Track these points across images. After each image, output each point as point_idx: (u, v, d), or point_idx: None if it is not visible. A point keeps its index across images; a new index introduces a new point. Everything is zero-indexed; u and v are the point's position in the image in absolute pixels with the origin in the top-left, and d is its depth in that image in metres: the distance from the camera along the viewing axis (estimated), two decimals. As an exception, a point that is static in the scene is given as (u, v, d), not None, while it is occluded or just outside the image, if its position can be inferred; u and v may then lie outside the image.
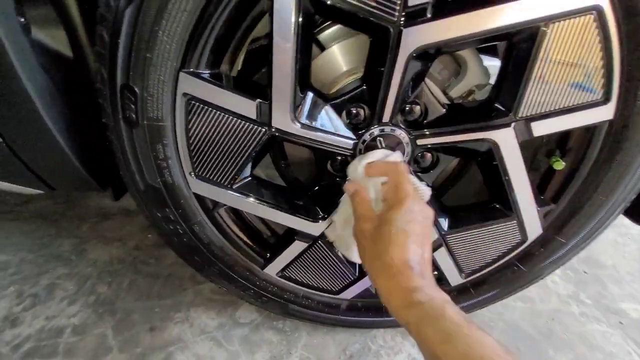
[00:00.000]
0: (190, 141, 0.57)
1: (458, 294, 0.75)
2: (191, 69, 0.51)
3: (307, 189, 0.67)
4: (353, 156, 0.59)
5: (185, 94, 0.52)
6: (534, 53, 0.48)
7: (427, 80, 0.59)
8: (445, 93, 0.62)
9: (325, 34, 0.62)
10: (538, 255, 0.68)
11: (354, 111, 0.58)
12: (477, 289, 0.73)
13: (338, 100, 0.57)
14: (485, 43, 0.51)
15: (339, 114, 0.58)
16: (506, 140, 0.55)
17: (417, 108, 0.58)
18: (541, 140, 0.62)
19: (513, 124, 0.53)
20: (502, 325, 0.86)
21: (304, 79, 0.54)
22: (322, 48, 0.62)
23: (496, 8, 0.45)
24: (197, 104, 0.53)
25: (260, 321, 0.86)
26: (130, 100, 0.52)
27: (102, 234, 1.16)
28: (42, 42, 0.55)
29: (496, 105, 0.54)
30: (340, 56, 0.61)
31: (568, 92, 0.51)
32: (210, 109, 0.53)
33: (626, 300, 0.96)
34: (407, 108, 0.58)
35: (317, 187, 0.67)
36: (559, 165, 0.59)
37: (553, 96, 0.51)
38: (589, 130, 0.56)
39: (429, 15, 0.46)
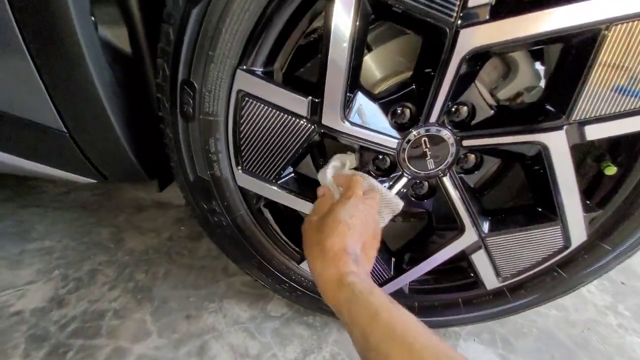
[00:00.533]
0: (241, 136, 0.59)
1: (494, 297, 0.74)
2: (247, 67, 0.53)
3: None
4: (395, 157, 0.60)
5: (239, 91, 0.54)
6: (592, 56, 0.47)
7: (476, 81, 0.59)
8: (492, 94, 0.62)
9: (373, 35, 0.63)
10: (581, 262, 0.66)
11: (399, 111, 0.59)
12: (514, 294, 0.73)
13: (386, 100, 0.58)
14: (543, 45, 0.51)
15: (386, 113, 0.58)
16: (557, 144, 0.54)
17: (465, 109, 0.58)
18: (591, 144, 0.61)
19: (565, 127, 0.53)
20: (536, 333, 0.84)
21: (355, 78, 0.55)
22: (370, 49, 0.63)
23: (555, 10, 0.45)
24: (251, 100, 0.55)
25: (290, 315, 0.88)
26: (189, 95, 0.54)
27: (137, 224, 1.20)
28: (107, 39, 0.59)
29: (548, 107, 0.54)
30: (387, 57, 0.62)
31: (624, 96, 0.50)
32: (262, 105, 0.55)
33: (666, 315, 0.92)
34: (454, 108, 0.58)
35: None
36: (611, 170, 0.58)
37: (609, 100, 0.50)
38: (643, 136, 0.55)
39: (487, 17, 0.46)
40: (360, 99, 0.56)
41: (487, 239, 0.65)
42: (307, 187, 0.66)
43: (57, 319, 0.86)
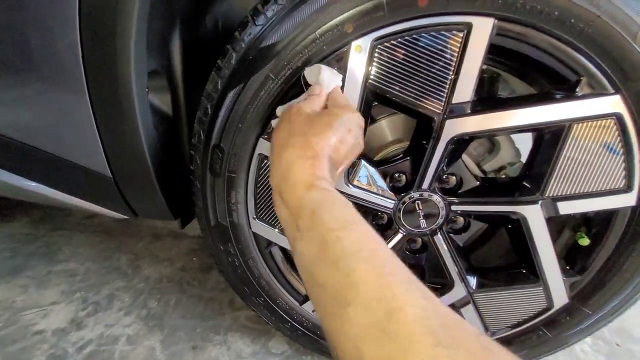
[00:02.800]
0: (257, 190, 0.68)
1: (483, 351, 0.78)
2: (267, 136, 0.64)
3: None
4: (391, 215, 0.68)
5: (260, 154, 0.65)
6: (559, 147, 0.56)
7: (463, 155, 0.68)
8: (479, 166, 0.70)
9: (375, 109, 0.74)
10: (564, 323, 0.71)
11: (397, 176, 0.68)
12: (502, 349, 0.76)
13: (385, 167, 0.67)
14: (517, 133, 0.60)
15: (384, 177, 0.67)
16: (533, 215, 0.61)
17: (453, 178, 0.67)
18: (568, 216, 0.68)
19: (540, 202, 0.60)
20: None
21: None
22: (373, 120, 0.73)
23: (525, 109, 0.54)
24: (267, 162, 0.65)
25: (290, 353, 0.92)
26: (218, 157, 0.65)
27: (154, 252, 1.29)
28: (154, 103, 0.71)
29: (525, 183, 0.62)
30: (387, 128, 0.72)
31: (591, 180, 0.58)
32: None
33: (663, 381, 0.93)
34: (444, 177, 0.67)
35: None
36: (584, 241, 0.64)
37: (577, 182, 0.58)
38: (614, 213, 0.62)
39: (468, 111, 0.56)
40: (363, 165, 0.66)
41: (475, 294, 0.71)
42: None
43: (76, 340, 0.93)
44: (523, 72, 0.64)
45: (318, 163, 0.42)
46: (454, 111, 0.56)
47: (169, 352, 0.91)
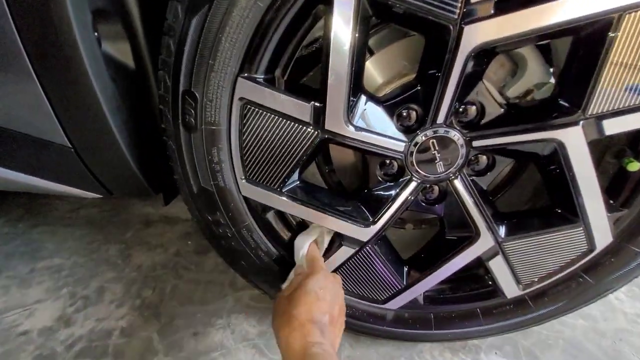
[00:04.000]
0: (244, 145, 0.58)
1: (514, 307, 0.70)
2: (248, 74, 0.53)
3: (355, 193, 0.66)
4: (402, 160, 0.58)
5: (241, 98, 0.54)
6: (607, 45, 0.45)
7: (483, 79, 0.57)
8: (501, 93, 0.59)
9: (375, 39, 0.62)
10: (608, 266, 0.62)
11: (405, 113, 0.57)
12: (536, 302, 0.68)
13: (391, 102, 0.57)
14: (552, 38, 0.49)
15: (391, 116, 0.57)
16: (574, 140, 0.51)
17: (473, 108, 0.56)
18: (610, 140, 0.58)
19: (582, 122, 0.50)
20: (563, 344, 0.79)
21: (357, 82, 0.54)
22: (372, 52, 0.62)
23: (557, 3, 0.43)
24: (252, 107, 0.54)
25: (301, 330, 0.84)
26: (191, 106, 0.54)
27: (145, 240, 1.20)
28: (110, 54, 0.59)
29: (562, 102, 0.52)
30: (390, 59, 0.61)
31: (644, 87, 0.47)
32: (264, 112, 0.54)
33: None
34: (462, 109, 0.56)
35: (365, 191, 0.66)
36: (634, 166, 0.54)
37: (629, 91, 0.47)
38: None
39: (491, 11, 0.45)
40: (365, 102, 0.55)
41: (505, 244, 0.62)
42: (314, 196, 0.64)
43: (64, 338, 0.84)
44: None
45: (305, 330, 0.46)
46: (474, 13, 0.45)
47: (168, 342, 0.82)
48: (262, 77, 0.54)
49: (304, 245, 0.64)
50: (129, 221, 1.30)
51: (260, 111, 0.55)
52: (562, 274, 0.64)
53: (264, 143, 0.57)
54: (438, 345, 0.79)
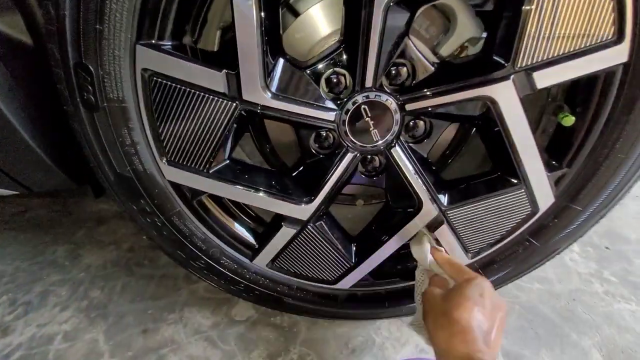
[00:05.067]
0: (158, 123, 0.52)
1: (466, 276, 0.68)
2: (149, 41, 0.47)
3: (291, 170, 0.62)
4: (335, 130, 0.54)
5: (145, 70, 0.48)
6: (529, -11, 0.42)
7: (412, 38, 0.53)
8: (435, 52, 0.56)
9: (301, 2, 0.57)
10: (552, 228, 0.61)
11: (335, 79, 0.53)
12: (486, 270, 0.67)
13: (314, 67, 0.52)
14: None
15: (317, 82, 0.52)
16: (506, 96, 0.48)
17: (404, 70, 0.53)
18: (546, 97, 0.55)
19: (512, 77, 0.47)
20: (519, 309, 0.79)
21: (273, 44, 0.49)
22: (297, 14, 0.57)
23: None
24: (159, 79, 0.49)
25: (257, 318, 0.81)
26: (86, 81, 0.48)
27: (97, 238, 1.13)
28: (-4, 28, 0.52)
29: (491, 56, 0.48)
30: (316, 20, 0.56)
31: (573, 33, 0.44)
32: (174, 84, 0.49)
33: (656, 276, 0.88)
34: (393, 71, 0.52)
35: (302, 167, 0.62)
36: (569, 120, 0.52)
37: (556, 40, 0.44)
38: (602, 78, 0.49)
39: (404, -47, 0.40)
40: (284, 67, 0.50)
41: (448, 212, 0.60)
42: (247, 175, 0.59)
43: (1, 348, 0.78)
44: None
45: (468, 336, 0.43)
46: (385, -44, 0.40)
47: (115, 342, 0.78)
48: (168, 44, 0.49)
49: (425, 253, 0.58)
50: (80, 220, 1.23)
51: (169, 83, 0.49)
52: (509, 239, 0.63)
53: (179, 120, 0.52)
54: (396, 320, 0.78)
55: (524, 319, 0.77)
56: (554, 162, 0.56)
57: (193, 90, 0.49)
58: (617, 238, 0.96)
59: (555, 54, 0.45)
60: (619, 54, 0.46)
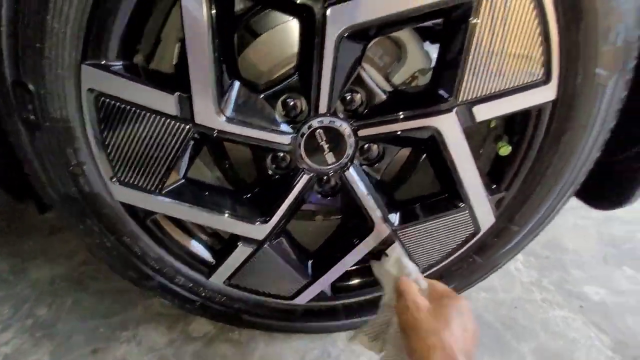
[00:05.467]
0: (106, 143, 0.51)
1: (417, 290, 0.72)
2: (96, 61, 0.45)
3: (247, 190, 0.62)
4: (292, 152, 0.55)
5: (91, 90, 0.46)
6: (469, 32, 0.45)
7: (366, 66, 0.56)
8: (388, 80, 0.58)
9: (259, 19, 0.57)
10: (493, 245, 0.66)
11: (291, 103, 0.54)
12: (435, 284, 0.71)
13: (270, 91, 0.53)
14: (419, 22, 0.48)
15: (273, 106, 0.53)
16: (449, 127, 0.52)
17: (358, 97, 0.55)
18: (488, 127, 0.60)
19: (455, 109, 0.50)
20: (467, 318, 0.84)
21: (228, 67, 0.49)
22: (256, 35, 0.57)
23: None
24: (108, 100, 0.47)
25: (214, 334, 0.80)
26: (25, 99, 0.45)
27: (47, 250, 1.06)
28: None
29: (436, 90, 0.51)
30: (275, 43, 0.56)
31: (507, 72, 0.48)
32: (124, 106, 0.48)
33: (588, 284, 0.97)
34: (347, 97, 0.54)
35: (258, 188, 0.62)
36: (505, 150, 0.57)
37: (492, 78, 0.48)
38: (534, 113, 0.54)
39: (353, -7, 0.42)
40: (239, 90, 0.50)
41: (400, 232, 0.62)
42: (202, 195, 0.59)
43: None
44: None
45: (453, 355, 0.42)
46: (335, -6, 0.42)
47: (61, 364, 0.74)
48: (117, 64, 0.47)
49: (404, 260, 0.55)
50: (29, 231, 1.14)
51: (119, 105, 0.48)
52: (455, 255, 0.67)
53: (130, 141, 0.50)
54: (351, 333, 0.80)
55: (471, 327, 0.82)
56: (494, 186, 0.61)
57: (144, 112, 0.48)
58: (556, 248, 1.05)
59: (493, 91, 0.49)
60: (547, 92, 0.50)
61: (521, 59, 0.48)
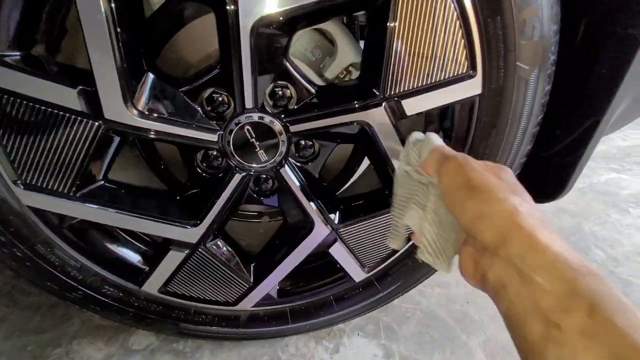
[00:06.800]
0: (7, 144, 0.46)
1: (364, 289, 0.70)
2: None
3: (182, 191, 0.59)
4: (221, 150, 0.52)
5: (-23, 79, 0.41)
6: (390, 29, 0.44)
7: (296, 60, 0.54)
8: (321, 74, 0.57)
9: (182, 10, 0.54)
10: (435, 241, 0.65)
11: (217, 98, 0.51)
12: (382, 283, 0.70)
13: (193, 85, 0.49)
14: (339, 15, 0.46)
15: (197, 101, 0.50)
16: (379, 121, 0.51)
17: (288, 92, 0.52)
18: (424, 120, 0.59)
19: (384, 104, 0.49)
20: (419, 315, 0.84)
21: (135, 56, 0.45)
22: (179, 26, 0.54)
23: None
24: (4, 95, 0.42)
25: (156, 345, 0.76)
26: None
27: (-25, 263, 0.97)
28: None
29: (365, 85, 0.50)
30: (197, 35, 0.53)
31: (432, 67, 0.48)
32: (22, 101, 0.43)
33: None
34: (277, 92, 0.52)
35: (189, 188, 0.59)
36: (438, 145, 0.56)
37: (418, 73, 0.47)
38: (466, 107, 0.54)
39: (264, -19, 0.40)
40: (153, 83, 0.47)
41: (341, 230, 0.61)
42: (125, 197, 0.55)
43: None
44: None
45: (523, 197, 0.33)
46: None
47: (-22, 389, 0.67)
48: (15, 55, 0.43)
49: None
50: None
51: (16, 100, 0.43)
52: (398, 253, 0.66)
53: (34, 140, 0.46)
54: (303, 336, 0.78)
55: (422, 324, 0.82)
56: (432, 182, 0.60)
57: (46, 109, 0.44)
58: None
59: (420, 85, 0.49)
60: (473, 87, 0.50)
61: (445, 54, 0.47)
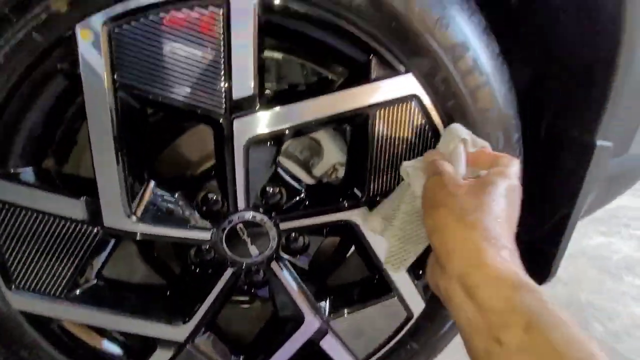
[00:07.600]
0: (4, 249, 0.47)
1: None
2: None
3: (168, 288, 0.59)
4: (214, 246, 0.54)
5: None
6: (369, 137, 0.49)
7: (286, 160, 0.58)
8: (310, 172, 0.61)
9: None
10: (427, 330, 0.65)
11: (211, 198, 0.54)
12: (376, 375, 0.67)
13: (189, 189, 0.53)
14: (318, 130, 0.52)
15: (193, 202, 0.53)
16: (364, 219, 0.54)
17: (277, 191, 0.56)
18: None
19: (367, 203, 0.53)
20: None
21: (139, 167, 0.49)
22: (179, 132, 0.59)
23: (317, 101, 0.46)
24: (8, 207, 0.45)
25: None
26: None
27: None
28: None
29: (349, 186, 0.54)
30: (193, 143, 0.59)
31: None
32: (26, 212, 0.46)
33: None
34: (268, 191, 0.56)
35: (179, 284, 0.60)
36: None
37: (395, 176, 0.52)
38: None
39: (257, 107, 0.46)
40: (153, 190, 0.50)
41: (332, 322, 0.60)
42: (114, 296, 0.55)
43: None
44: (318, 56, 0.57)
45: (511, 254, 0.33)
46: (240, 108, 0.45)
47: None
48: (20, 170, 0.47)
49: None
50: None
51: (20, 211, 0.46)
52: (393, 342, 0.65)
53: (32, 246, 0.48)
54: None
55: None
56: (420, 272, 0.62)
57: (49, 218, 0.47)
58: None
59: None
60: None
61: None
